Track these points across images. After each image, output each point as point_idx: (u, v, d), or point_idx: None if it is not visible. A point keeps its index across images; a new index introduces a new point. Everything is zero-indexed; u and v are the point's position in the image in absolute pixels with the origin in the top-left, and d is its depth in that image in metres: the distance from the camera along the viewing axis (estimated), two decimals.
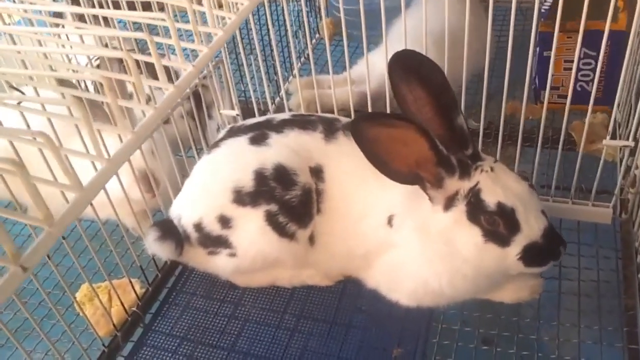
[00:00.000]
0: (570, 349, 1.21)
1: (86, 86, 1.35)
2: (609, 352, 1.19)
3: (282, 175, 1.22)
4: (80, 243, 1.47)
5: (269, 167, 1.23)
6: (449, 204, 1.11)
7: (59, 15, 1.14)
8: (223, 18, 0.76)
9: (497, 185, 1.08)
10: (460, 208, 1.10)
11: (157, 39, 0.66)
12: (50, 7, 0.77)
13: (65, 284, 1.21)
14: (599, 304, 1.28)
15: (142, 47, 1.66)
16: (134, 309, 1.37)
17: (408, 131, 1.02)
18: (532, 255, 1.09)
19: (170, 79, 1.49)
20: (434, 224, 1.13)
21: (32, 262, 0.46)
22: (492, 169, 1.10)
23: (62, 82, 1.00)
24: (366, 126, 1.03)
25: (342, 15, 1.35)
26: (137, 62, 0.65)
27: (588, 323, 1.25)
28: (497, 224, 1.08)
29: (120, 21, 1.75)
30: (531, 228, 1.08)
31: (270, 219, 1.22)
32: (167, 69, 0.68)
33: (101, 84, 0.59)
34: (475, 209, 1.08)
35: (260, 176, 1.23)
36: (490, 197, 1.07)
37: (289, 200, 1.22)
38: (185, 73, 0.65)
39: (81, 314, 1.26)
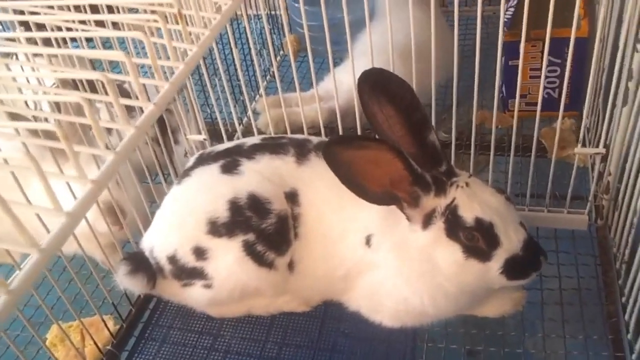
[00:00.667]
0: None
1: (46, 119, 1.30)
2: None
3: (256, 204, 1.19)
4: (47, 280, 1.40)
5: (243, 196, 1.20)
6: (426, 222, 1.09)
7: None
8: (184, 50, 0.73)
9: (474, 200, 1.07)
10: (438, 225, 1.08)
11: (115, 76, 0.62)
12: (3, 48, 0.73)
13: (33, 328, 1.15)
14: (582, 312, 1.28)
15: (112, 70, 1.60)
16: (109, 347, 1.32)
17: (381, 152, 1.01)
18: (513, 268, 1.08)
19: (133, 109, 1.44)
20: (412, 242, 1.12)
21: None
22: (467, 184, 1.08)
23: (16, 118, 0.96)
24: (339, 150, 1.01)
25: (305, 31, 1.32)
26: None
27: (573, 333, 1.24)
28: (477, 240, 1.06)
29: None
30: (511, 241, 1.07)
31: (248, 248, 1.19)
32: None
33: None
34: (454, 226, 1.07)
35: (235, 206, 1.19)
36: (468, 213, 1.06)
37: (265, 229, 1.19)
38: (147, 112, 0.62)
39: (52, 357, 1.20)
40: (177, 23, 0.72)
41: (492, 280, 1.10)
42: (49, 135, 1.10)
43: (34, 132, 1.12)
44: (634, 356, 1.13)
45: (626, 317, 1.20)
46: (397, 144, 1.06)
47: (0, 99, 0.69)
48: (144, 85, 0.64)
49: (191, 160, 1.32)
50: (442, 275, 1.11)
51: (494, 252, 1.07)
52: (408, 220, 1.11)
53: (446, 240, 1.08)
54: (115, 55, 0.61)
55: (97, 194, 0.54)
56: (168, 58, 0.68)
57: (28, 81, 1.02)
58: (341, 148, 1.01)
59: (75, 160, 0.53)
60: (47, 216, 0.54)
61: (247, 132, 1.71)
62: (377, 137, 1.12)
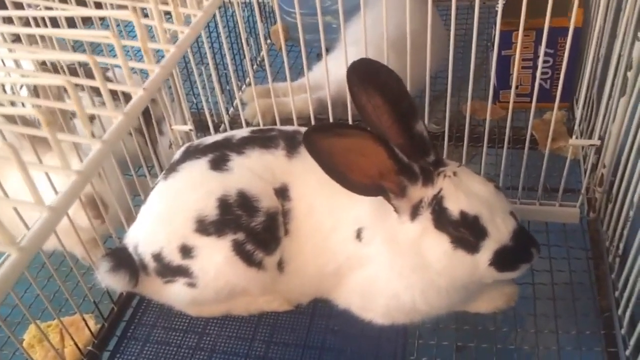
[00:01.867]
0: (550, 357, 1.19)
1: (23, 105, 1.23)
2: (589, 356, 1.18)
3: (246, 202, 1.16)
4: (24, 278, 1.34)
5: (233, 194, 1.16)
6: (414, 213, 1.06)
7: None
8: (174, 32, 0.68)
9: (460, 190, 1.04)
10: (426, 216, 1.05)
11: (101, 59, 0.58)
12: None
13: (8, 328, 1.09)
14: (574, 306, 1.26)
15: (85, 62, 1.53)
16: (90, 347, 1.27)
17: (364, 140, 0.98)
18: (503, 259, 1.05)
19: (116, 97, 1.39)
20: (402, 235, 1.09)
21: None
22: (455, 174, 1.06)
23: None
24: (319, 138, 0.98)
25: (298, 19, 1.28)
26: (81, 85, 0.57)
27: (565, 328, 1.22)
28: (463, 232, 1.04)
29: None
30: (499, 232, 1.04)
31: (238, 248, 1.15)
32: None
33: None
34: (441, 217, 1.04)
35: (224, 204, 1.15)
36: (453, 205, 1.03)
37: (254, 228, 1.15)
38: (136, 97, 0.57)
39: (30, 359, 1.14)
40: (166, 3, 0.67)
41: (483, 274, 1.07)
42: (27, 123, 1.04)
43: (11, 120, 1.06)
44: (627, 351, 1.12)
45: (619, 311, 1.18)
46: (384, 134, 1.04)
47: None
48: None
49: (178, 154, 1.28)
50: (432, 269, 1.08)
51: (481, 243, 1.04)
52: (396, 212, 1.08)
53: (434, 232, 1.05)
54: (101, 35, 0.56)
55: (82, 186, 0.50)
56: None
57: (3, 63, 0.96)
58: (319, 136, 0.98)
59: (58, 149, 0.48)
60: (27, 210, 0.49)
61: (233, 122, 1.67)
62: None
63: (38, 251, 1.12)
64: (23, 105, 0.59)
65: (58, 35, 0.97)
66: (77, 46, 1.69)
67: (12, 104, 0.76)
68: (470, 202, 1.03)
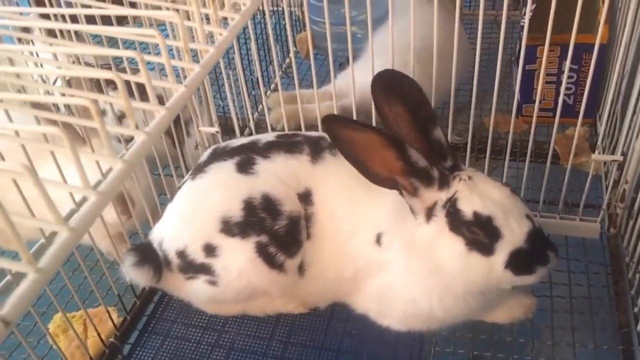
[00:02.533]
0: None
1: (57, 106, 1.27)
2: None
3: (270, 205, 1.18)
4: None
5: (257, 196, 1.19)
6: (429, 215, 1.08)
7: (27, 30, 1.06)
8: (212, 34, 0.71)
9: (475, 193, 1.05)
10: (440, 218, 1.07)
11: (148, 57, 0.61)
12: (20, 22, 0.71)
13: (37, 315, 1.13)
14: (592, 321, 1.27)
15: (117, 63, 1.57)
16: (112, 339, 1.30)
17: (374, 139, 1.02)
18: (519, 262, 1.05)
19: (145, 99, 1.42)
20: (419, 237, 1.10)
21: (14, 315, 0.41)
22: (470, 178, 1.07)
23: (35, 103, 0.93)
24: (337, 127, 1.03)
25: (327, 29, 1.31)
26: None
27: (583, 342, 1.23)
28: (477, 234, 1.04)
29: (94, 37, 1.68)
30: (514, 233, 1.04)
31: (261, 250, 1.18)
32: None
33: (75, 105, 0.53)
34: (455, 219, 1.05)
35: (249, 206, 1.18)
36: (467, 207, 1.04)
37: (277, 231, 1.18)
38: (177, 94, 0.60)
39: (54, 346, 1.18)
40: (205, 6, 0.70)
41: (499, 277, 1.06)
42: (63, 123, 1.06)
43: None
44: None
45: (638, 327, 1.18)
46: (403, 139, 1.06)
47: (17, 72, 0.67)
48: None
49: (205, 155, 1.30)
50: (448, 273, 1.09)
51: (495, 245, 1.04)
52: (412, 211, 1.10)
53: (449, 234, 1.06)
54: (148, 34, 0.59)
55: (126, 175, 0.53)
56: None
57: (36, 54, 0.98)
58: (339, 125, 1.03)
59: (106, 139, 0.51)
60: (76, 194, 0.52)
61: (258, 127, 1.70)
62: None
63: None
64: (49, 93, 0.62)
65: (105, 33, 1.00)
66: (109, 46, 1.74)
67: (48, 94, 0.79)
68: (484, 204, 1.04)
